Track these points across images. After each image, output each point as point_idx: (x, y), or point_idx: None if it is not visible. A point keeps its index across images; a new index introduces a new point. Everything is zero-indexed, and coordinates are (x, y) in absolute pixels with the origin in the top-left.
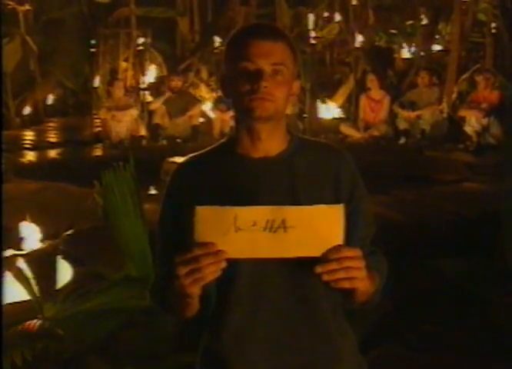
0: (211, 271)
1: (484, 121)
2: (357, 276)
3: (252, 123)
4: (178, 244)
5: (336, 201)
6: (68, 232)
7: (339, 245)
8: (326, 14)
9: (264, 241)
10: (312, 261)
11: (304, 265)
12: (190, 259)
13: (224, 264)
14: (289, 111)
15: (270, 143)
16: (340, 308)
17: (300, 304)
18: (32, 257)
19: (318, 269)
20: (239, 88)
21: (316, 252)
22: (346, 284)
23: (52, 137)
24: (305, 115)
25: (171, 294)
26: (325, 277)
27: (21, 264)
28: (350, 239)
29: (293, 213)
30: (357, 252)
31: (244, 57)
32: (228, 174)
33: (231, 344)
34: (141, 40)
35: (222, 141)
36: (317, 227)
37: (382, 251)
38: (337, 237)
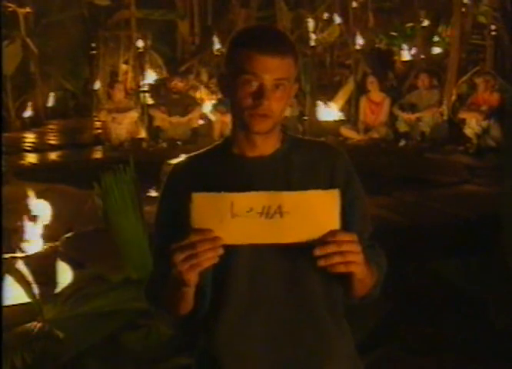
0: (208, 257)
1: (484, 123)
2: (353, 260)
3: (249, 133)
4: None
5: None
6: (68, 234)
7: (335, 230)
8: (326, 16)
9: (260, 226)
10: (308, 258)
11: (302, 262)
12: (186, 245)
13: (221, 251)
14: (289, 113)
15: (266, 144)
16: (339, 306)
17: (297, 301)
18: (32, 260)
19: (316, 251)
20: (240, 100)
21: (312, 237)
22: (342, 268)
23: (52, 140)
24: (305, 117)
25: (167, 288)
26: (322, 263)
27: (21, 266)
28: None
29: (289, 198)
30: (353, 236)
31: (248, 70)
32: (224, 173)
33: (226, 342)
34: (141, 42)
35: (218, 142)
36: (313, 213)
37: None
38: (333, 222)
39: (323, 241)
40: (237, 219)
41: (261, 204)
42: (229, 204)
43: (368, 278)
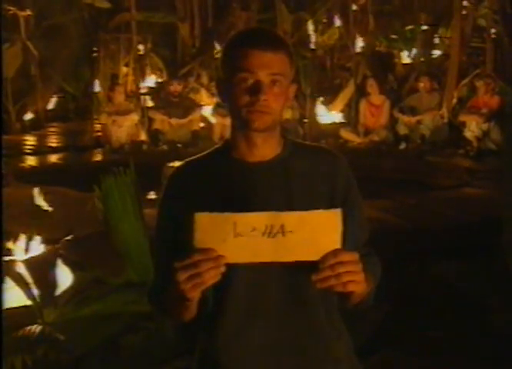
0: (211, 276)
1: (484, 126)
2: (354, 279)
3: (248, 132)
4: (176, 248)
5: (330, 204)
6: (68, 237)
7: (336, 249)
8: (326, 19)
9: (263, 245)
10: (307, 264)
11: (299, 269)
12: (189, 264)
13: (223, 269)
14: (289, 115)
15: (266, 148)
16: (336, 310)
17: (295, 306)
18: (32, 263)
19: (313, 277)
20: (237, 99)
21: (314, 256)
22: (339, 289)
23: (53, 142)
24: (306, 120)
25: (170, 298)
26: (318, 285)
27: (22, 269)
28: (344, 242)
29: (291, 218)
30: (354, 256)
31: (243, 67)
32: (224, 178)
33: (226, 347)
34: (141, 45)
35: (217, 145)
36: (316, 232)
37: (378, 254)
38: (335, 241)
39: (323, 261)
40: (240, 238)
41: (264, 223)
42: (232, 223)
43: (365, 289)
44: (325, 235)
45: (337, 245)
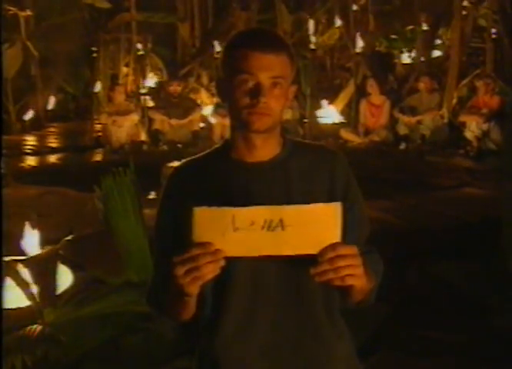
0: (210, 270)
1: (484, 126)
2: (353, 273)
3: (248, 133)
4: (175, 247)
5: (330, 202)
6: (68, 237)
7: (335, 243)
8: (326, 19)
9: (262, 239)
10: (307, 263)
11: (299, 268)
12: (188, 259)
13: (222, 263)
14: (289, 116)
15: (265, 148)
16: (337, 310)
17: (296, 305)
18: (32, 263)
19: (312, 271)
20: (237, 100)
21: (313, 250)
22: (338, 282)
23: (53, 142)
24: (306, 120)
25: (169, 296)
26: (316, 278)
27: (21, 269)
28: (344, 239)
29: (290, 212)
30: (353, 250)
31: (243, 69)
32: (223, 179)
33: (225, 347)
34: (141, 45)
35: (217, 145)
36: (315, 226)
37: (379, 252)
38: (335, 234)
39: (322, 254)
40: (239, 232)
41: (263, 217)
42: (231, 218)
43: (366, 286)
44: (324, 229)
45: (337, 239)
